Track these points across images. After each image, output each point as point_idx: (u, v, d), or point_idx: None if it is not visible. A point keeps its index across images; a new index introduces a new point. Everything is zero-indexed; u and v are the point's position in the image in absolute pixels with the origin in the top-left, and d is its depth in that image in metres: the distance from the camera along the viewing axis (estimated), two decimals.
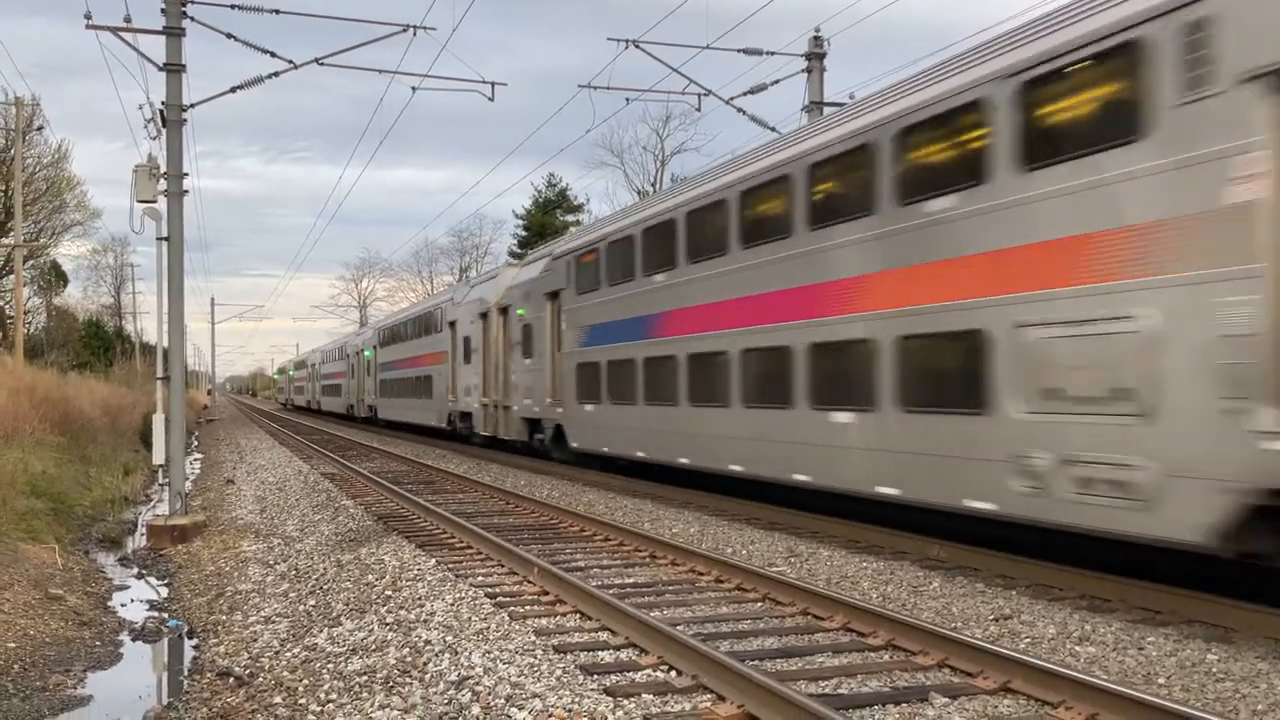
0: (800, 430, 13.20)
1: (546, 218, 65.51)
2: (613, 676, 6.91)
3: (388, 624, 8.65)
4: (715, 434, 15.44)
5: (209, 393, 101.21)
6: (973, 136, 10.21)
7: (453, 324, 32.17)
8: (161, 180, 16.06)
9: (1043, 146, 9.39)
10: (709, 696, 6.44)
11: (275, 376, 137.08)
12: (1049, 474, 9.21)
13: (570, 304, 21.36)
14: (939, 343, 10.73)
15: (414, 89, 19.92)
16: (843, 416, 12.35)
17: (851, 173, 12.21)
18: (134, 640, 10.15)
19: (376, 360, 47.39)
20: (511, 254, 61.97)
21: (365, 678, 7.29)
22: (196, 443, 39.54)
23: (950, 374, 10.63)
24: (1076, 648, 7.61)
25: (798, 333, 13.24)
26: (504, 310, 26.53)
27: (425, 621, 8.49)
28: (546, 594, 9.56)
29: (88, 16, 16.17)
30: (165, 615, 11.02)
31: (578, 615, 8.74)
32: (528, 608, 9.06)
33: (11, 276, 43.77)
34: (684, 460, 16.51)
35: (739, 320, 14.78)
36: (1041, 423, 9.31)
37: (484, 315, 28.25)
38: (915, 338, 11.02)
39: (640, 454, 18.06)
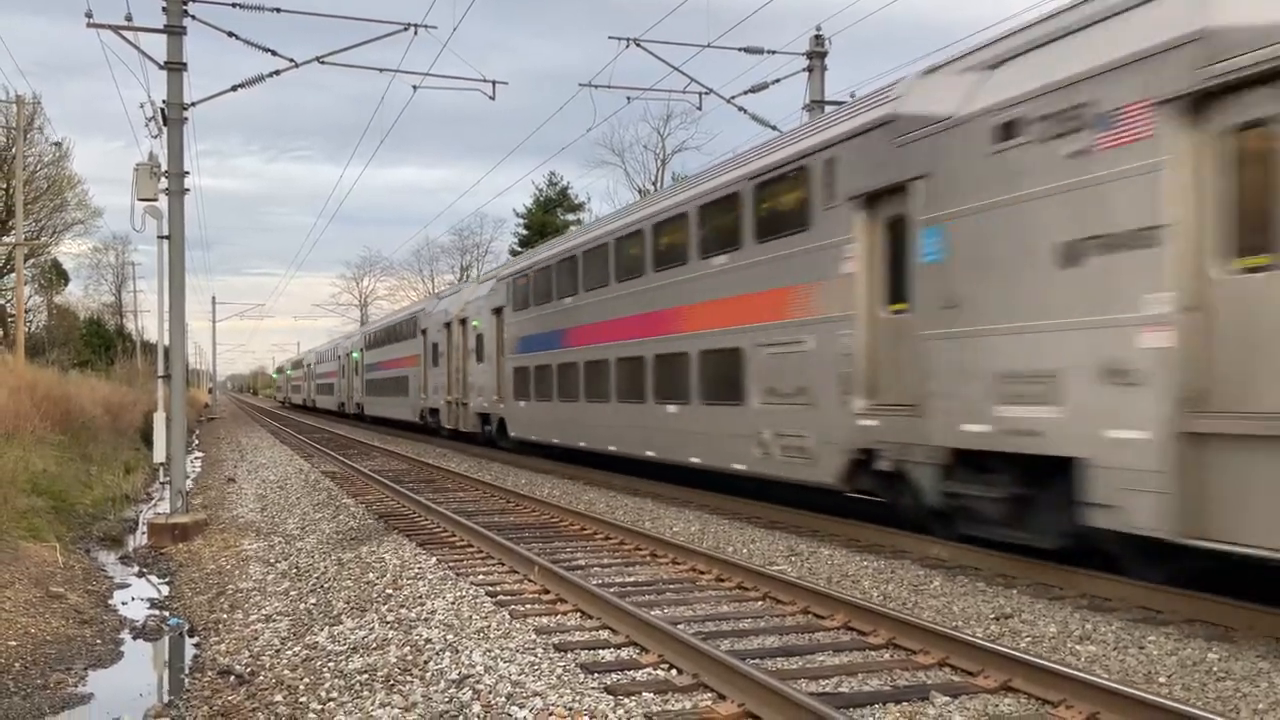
0: (648, 419, 17.98)
1: (547, 216, 65.54)
2: (613, 675, 6.91)
3: (388, 622, 8.66)
4: (600, 423, 20.15)
5: (210, 391, 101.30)
6: (733, 217, 15.17)
7: (424, 331, 36.67)
8: (162, 179, 16.06)
9: (766, 227, 14.30)
10: (710, 695, 6.44)
11: (274, 376, 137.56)
12: (770, 444, 14.00)
13: (509, 318, 26.30)
14: (720, 356, 15.41)
15: (415, 88, 19.92)
16: (672, 408, 17.13)
17: (674, 234, 17.20)
18: (135, 638, 10.16)
19: (363, 362, 51.86)
20: (512, 252, 61.98)
21: (366, 676, 7.29)
22: (197, 441, 39.56)
23: (724, 376, 15.21)
24: (1077, 647, 7.61)
25: (641, 346, 18.23)
26: (463, 321, 31.14)
27: (426, 620, 8.50)
28: (547, 592, 9.56)
29: (89, 15, 16.16)
30: (166, 613, 11.02)
31: (578, 614, 8.74)
32: (528, 606, 9.06)
33: (13, 275, 43.80)
34: (582, 443, 21.08)
35: (606, 337, 19.80)
36: (766, 411, 14.12)
37: (448, 325, 32.97)
38: (709, 352, 15.84)
39: (556, 440, 22.65)
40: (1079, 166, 9.00)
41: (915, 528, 11.66)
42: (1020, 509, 9.93)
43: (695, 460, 16.19)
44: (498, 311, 27.34)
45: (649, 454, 17.92)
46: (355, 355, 54.49)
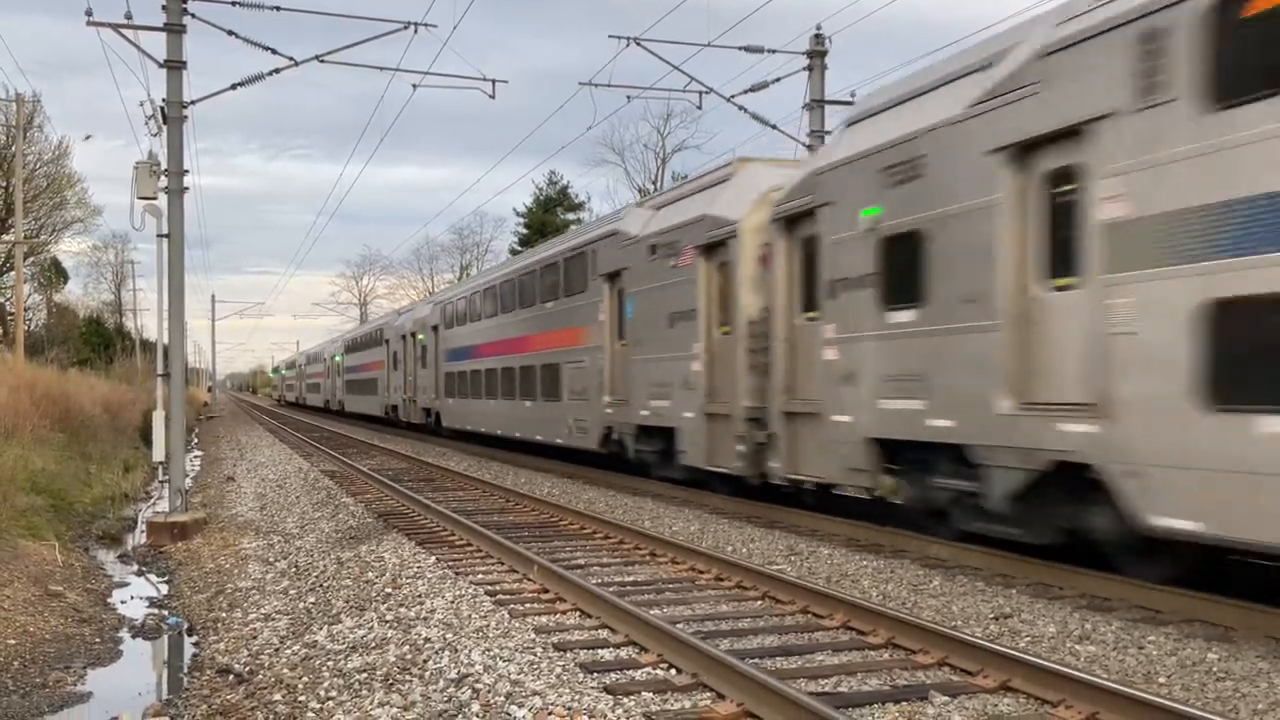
0: (514, 410, 25.63)
1: (547, 215, 65.49)
2: (612, 674, 6.91)
3: (388, 621, 8.65)
4: (492, 413, 27.76)
5: (209, 390, 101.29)
6: (557, 277, 22.81)
7: (388, 341, 44.46)
8: (162, 177, 16.05)
9: (566, 287, 22.10)
10: (709, 694, 6.44)
11: (272, 375, 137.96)
12: (574, 425, 21.21)
13: (443, 334, 33.97)
14: (550, 369, 22.83)
15: (415, 86, 19.88)
16: (526, 402, 24.68)
17: (525, 284, 25.23)
18: (134, 637, 10.15)
19: (343, 364, 59.26)
20: (512, 251, 61.93)
21: (365, 675, 7.29)
22: (196, 440, 39.54)
23: (551, 382, 22.68)
24: (1076, 646, 7.61)
25: (513, 360, 25.73)
26: (414, 334, 38.23)
27: (425, 619, 8.49)
28: (546, 592, 9.56)
29: (88, 13, 16.14)
30: (165, 612, 11.01)
31: (578, 613, 8.74)
32: (527, 605, 9.06)
33: (12, 273, 43.78)
34: (484, 429, 28.72)
35: (496, 352, 27.48)
36: (573, 404, 21.36)
37: (404, 337, 40.38)
38: (544, 366, 23.20)
39: (469, 427, 30.37)
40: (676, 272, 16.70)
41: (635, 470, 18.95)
42: (663, 458, 17.50)
43: (538, 437, 23.60)
44: (435, 328, 34.80)
45: (515, 435, 25.38)
46: (338, 358, 61.55)
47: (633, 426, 18.19)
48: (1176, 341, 7.90)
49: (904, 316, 11.20)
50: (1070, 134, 9.06)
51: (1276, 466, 7.18)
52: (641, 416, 17.80)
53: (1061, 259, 9.41)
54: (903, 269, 11.15)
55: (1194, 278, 7.79)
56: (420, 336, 36.88)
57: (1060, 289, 9.43)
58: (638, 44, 20.39)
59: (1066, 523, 9.49)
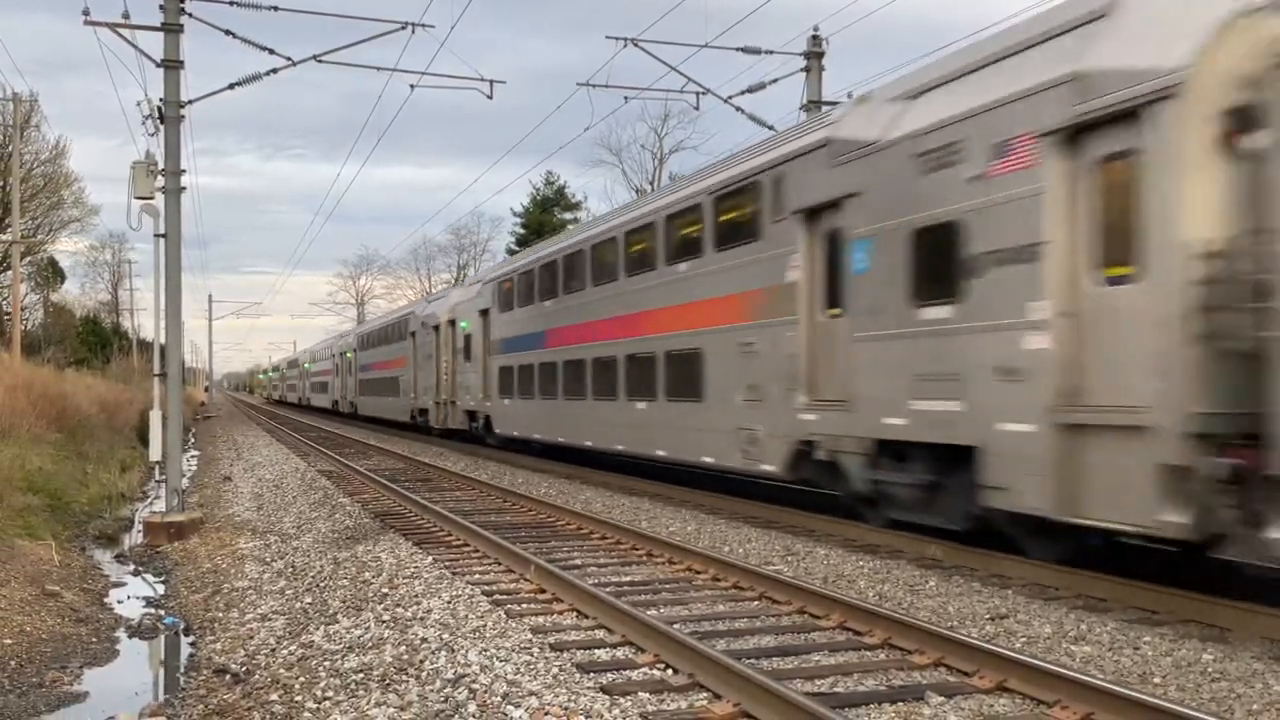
0: (616, 415, 19.19)
1: (545, 215, 65.47)
2: (609, 675, 6.91)
3: (384, 621, 8.65)
4: (575, 419, 21.33)
5: (206, 390, 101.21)
6: (697, 226, 16.28)
7: (414, 334, 37.79)
8: (159, 177, 16.04)
9: (718, 239, 15.55)
10: (705, 695, 6.45)
11: (262, 377, 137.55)
12: (735, 438, 14.97)
13: (495, 319, 27.49)
14: (683, 357, 16.70)
15: (412, 86, 19.90)
16: (639, 404, 18.31)
17: (638, 242, 18.43)
18: (130, 637, 10.15)
19: (356, 362, 52.80)
20: (509, 251, 61.91)
21: (362, 675, 7.29)
22: (194, 440, 39.50)
23: (686, 375, 16.52)
24: (1072, 647, 7.62)
25: (614, 347, 19.38)
26: (451, 323, 32.45)
27: (422, 619, 8.49)
28: (543, 592, 9.56)
29: (86, 12, 16.13)
30: (162, 612, 11.01)
31: (574, 613, 8.74)
32: (524, 606, 9.06)
33: (9, 273, 43.71)
34: (559, 438, 22.08)
35: (584, 338, 20.90)
36: (729, 407, 15.08)
37: (436, 327, 34.18)
38: (674, 354, 17.05)
39: (536, 436, 23.77)
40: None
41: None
42: (930, 496, 11.25)
43: (660, 452, 17.57)
44: (484, 313, 28.47)
45: (618, 447, 19.23)
46: (349, 355, 55.09)
47: (865, 443, 11.94)
48: None
49: None
50: None
51: None
52: (887, 427, 11.51)
53: None
54: None
55: None
56: (463, 324, 30.84)
57: None
58: (635, 45, 20.40)
59: None
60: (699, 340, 15.89)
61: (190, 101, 16.64)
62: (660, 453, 17.39)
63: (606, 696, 6.34)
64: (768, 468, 14.02)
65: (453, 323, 32.22)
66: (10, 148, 42.53)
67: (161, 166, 16.08)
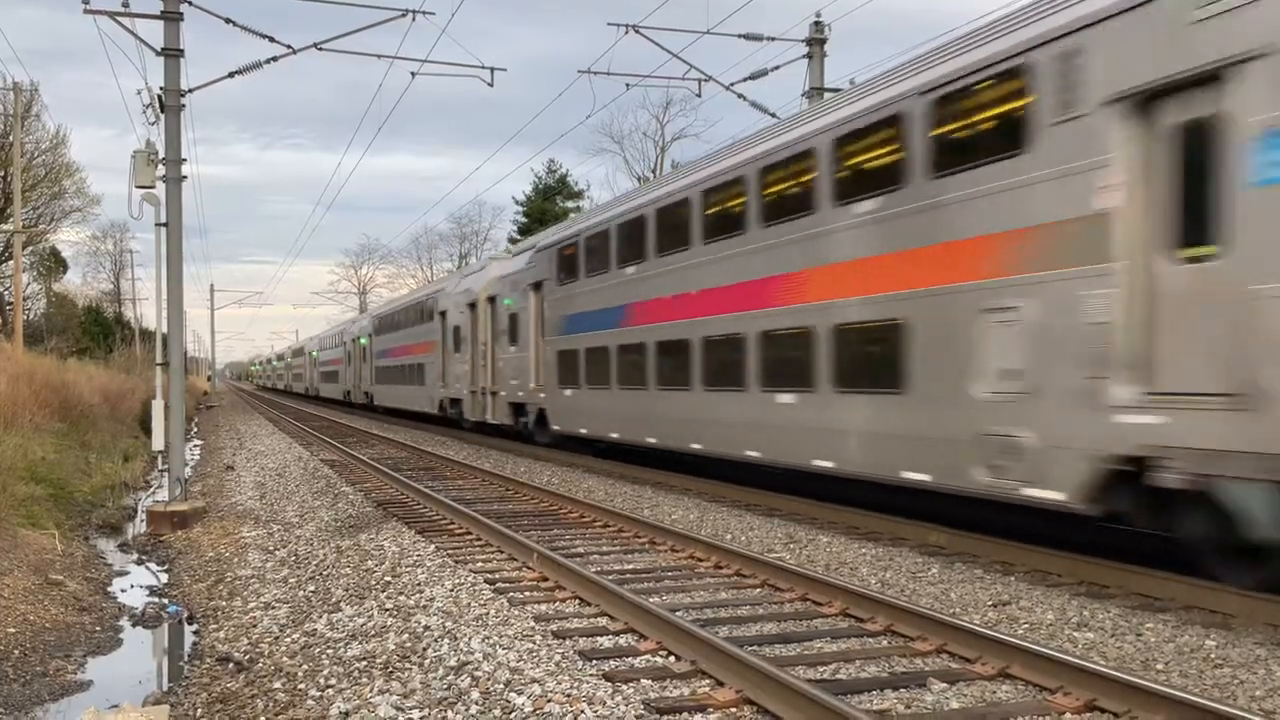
0: (748, 411, 14.67)
1: (547, 204, 65.38)
2: (612, 662, 6.92)
3: (387, 610, 8.66)
4: (679, 415, 16.73)
5: (209, 379, 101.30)
6: (893, 149, 11.69)
7: (443, 314, 33.37)
8: (160, 166, 16.02)
9: (949, 157, 10.82)
10: (708, 682, 6.45)
11: (254, 369, 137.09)
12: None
13: (552, 294, 22.69)
14: (921, 328, 11.42)
15: (413, 74, 19.87)
16: (786, 398, 13.78)
17: (793, 176, 13.62)
18: (134, 626, 10.17)
19: (372, 348, 48.15)
20: (511, 240, 61.88)
21: (365, 663, 7.30)
22: (196, 429, 39.54)
23: (933, 354, 11.19)
24: (1075, 633, 7.62)
25: (749, 321, 14.56)
26: (491, 300, 27.85)
27: (425, 607, 8.50)
28: (546, 580, 9.57)
29: (85, 1, 16.08)
30: (165, 601, 11.03)
31: (577, 601, 8.75)
32: (527, 593, 9.07)
33: (11, 262, 43.73)
34: (651, 439, 17.85)
35: (696, 310, 16.10)
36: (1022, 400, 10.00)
37: (472, 305, 29.50)
38: (887, 324, 11.91)
39: (615, 435, 19.42)
40: None
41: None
42: None
43: (908, 473, 11.46)
44: (536, 286, 23.92)
45: (750, 454, 14.65)
46: (363, 341, 50.67)
47: None
48: None
49: None
50: None
51: None
52: None
53: None
54: None
55: None
56: (506, 301, 26.44)
57: None
58: (636, 31, 20.35)
59: None
60: (900, 308, 11.37)
61: (191, 90, 16.61)
62: (823, 463, 12.86)
63: (609, 684, 6.35)
64: (1045, 494, 9.38)
65: (493, 300, 27.74)
66: (10, 137, 42.46)
67: (162, 155, 16.06)
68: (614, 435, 19.42)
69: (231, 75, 17.36)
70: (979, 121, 10.46)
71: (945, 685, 6.36)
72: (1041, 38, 9.57)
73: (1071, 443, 9.11)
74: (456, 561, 10.54)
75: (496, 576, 9.79)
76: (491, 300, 27.91)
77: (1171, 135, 8.48)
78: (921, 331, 11.10)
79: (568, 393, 21.63)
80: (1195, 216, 8.25)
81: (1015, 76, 9.88)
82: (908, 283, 11.30)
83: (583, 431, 20.95)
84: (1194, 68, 8.09)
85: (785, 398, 13.69)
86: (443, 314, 33.50)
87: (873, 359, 11.97)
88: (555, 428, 22.54)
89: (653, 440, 17.70)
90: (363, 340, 50.95)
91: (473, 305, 29.50)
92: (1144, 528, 9.18)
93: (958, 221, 10.55)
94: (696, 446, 16.20)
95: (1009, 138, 9.93)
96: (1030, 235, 9.65)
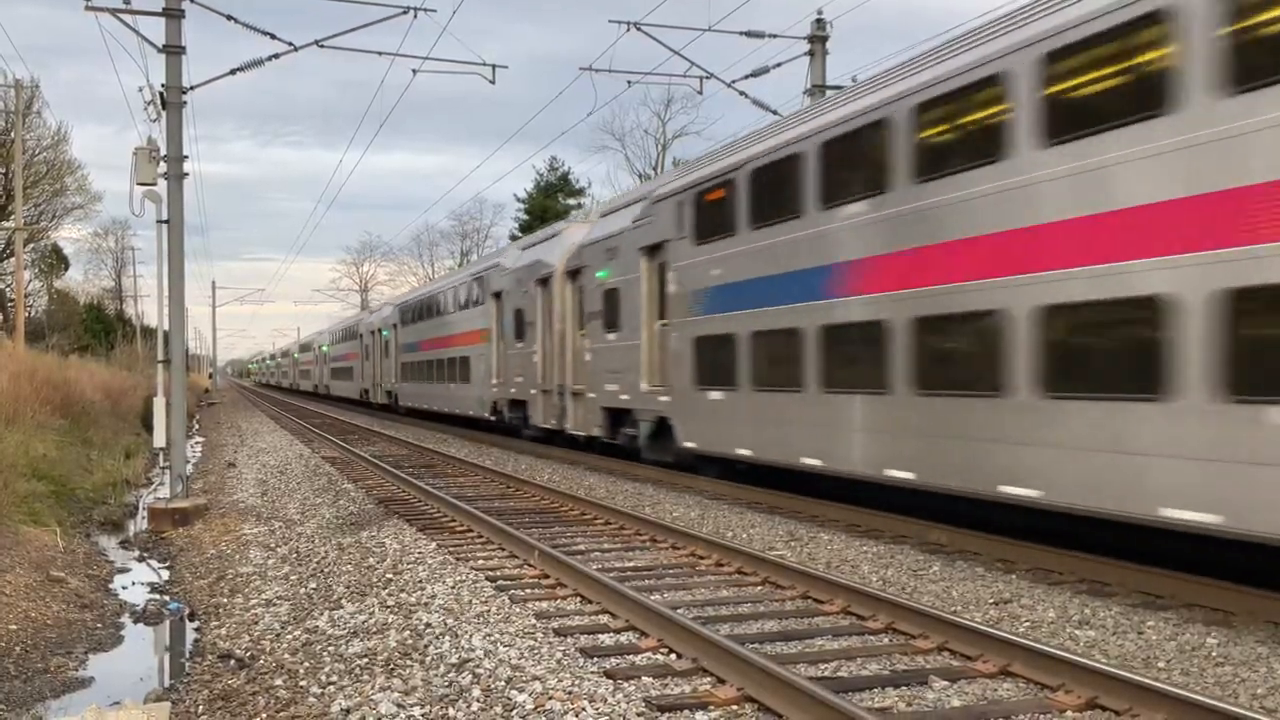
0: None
1: (548, 201, 65.37)
2: (613, 659, 6.92)
3: (388, 607, 8.67)
4: (965, 433, 10.54)
5: (210, 376, 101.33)
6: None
7: (498, 295, 27.18)
8: (161, 163, 16.01)
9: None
10: (709, 679, 6.45)
11: (252, 366, 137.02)
12: None
13: (683, 259, 16.46)
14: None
15: (414, 71, 19.85)
16: (1084, 403, 9.14)
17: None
18: (135, 623, 10.16)
19: (397, 340, 41.75)
20: (512, 237, 61.86)
21: (366, 660, 7.30)
22: (197, 426, 39.55)
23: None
24: (1076, 631, 7.62)
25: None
26: (574, 274, 21.85)
27: (426, 604, 8.51)
28: (547, 577, 9.57)
29: None
30: (166, 598, 11.03)
31: (578, 598, 8.75)
32: (528, 591, 9.07)
33: (12, 259, 43.74)
34: (898, 472, 11.54)
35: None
36: None
37: (543, 281, 23.28)
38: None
39: (811, 462, 13.15)
40: None
41: None
42: None
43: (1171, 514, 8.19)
44: (652, 251, 17.84)
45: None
46: (385, 333, 44.21)
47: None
48: None
49: None
50: None
51: None
52: None
53: None
54: None
55: None
56: (600, 274, 20.10)
57: None
58: (638, 29, 20.32)
59: None
60: None
61: (193, 87, 16.60)
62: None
63: (610, 681, 6.35)
64: None
65: (576, 273, 21.70)
66: (11, 134, 42.47)
67: (164, 152, 16.04)
68: (809, 461, 13.15)
69: (233, 72, 17.34)
70: None
71: (947, 683, 6.36)
72: None
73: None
74: (458, 559, 10.54)
75: (498, 574, 9.79)
76: (574, 274, 21.80)
77: None
78: None
79: (714, 396, 15.49)
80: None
81: None
82: None
83: (743, 453, 14.80)
84: None
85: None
86: (496, 295, 27.28)
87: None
88: (688, 444, 16.47)
89: (901, 473, 11.41)
90: (385, 332, 44.06)
91: (544, 281, 23.24)
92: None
93: None
94: (1012, 491, 9.81)
95: None
96: None
